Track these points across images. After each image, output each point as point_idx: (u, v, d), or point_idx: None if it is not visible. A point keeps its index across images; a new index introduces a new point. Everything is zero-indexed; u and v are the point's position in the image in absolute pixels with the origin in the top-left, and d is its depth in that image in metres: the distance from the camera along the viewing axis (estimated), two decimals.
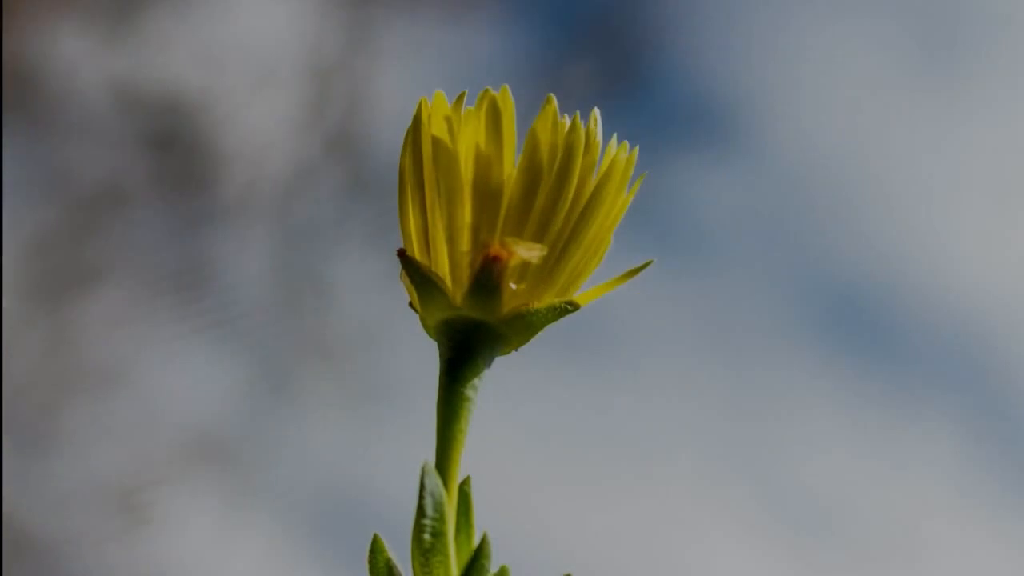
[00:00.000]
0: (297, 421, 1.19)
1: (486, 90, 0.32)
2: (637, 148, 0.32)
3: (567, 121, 0.31)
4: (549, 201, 0.31)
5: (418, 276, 0.31)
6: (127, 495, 1.14)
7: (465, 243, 0.31)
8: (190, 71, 1.20)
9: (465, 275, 0.31)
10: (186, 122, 1.19)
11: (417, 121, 0.32)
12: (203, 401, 1.20)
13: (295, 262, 1.21)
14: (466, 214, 0.31)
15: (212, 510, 1.17)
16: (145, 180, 1.19)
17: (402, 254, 0.32)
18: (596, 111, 0.32)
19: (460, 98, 0.32)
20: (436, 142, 0.31)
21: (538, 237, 0.31)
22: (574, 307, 0.32)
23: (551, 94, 0.31)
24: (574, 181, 0.31)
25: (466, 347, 0.31)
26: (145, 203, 1.19)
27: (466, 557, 0.30)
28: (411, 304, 0.33)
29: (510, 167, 0.31)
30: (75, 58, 1.18)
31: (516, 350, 0.33)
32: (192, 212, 1.20)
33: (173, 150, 1.19)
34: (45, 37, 1.17)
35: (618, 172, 0.32)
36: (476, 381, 0.32)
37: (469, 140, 0.31)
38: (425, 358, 0.35)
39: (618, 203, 0.32)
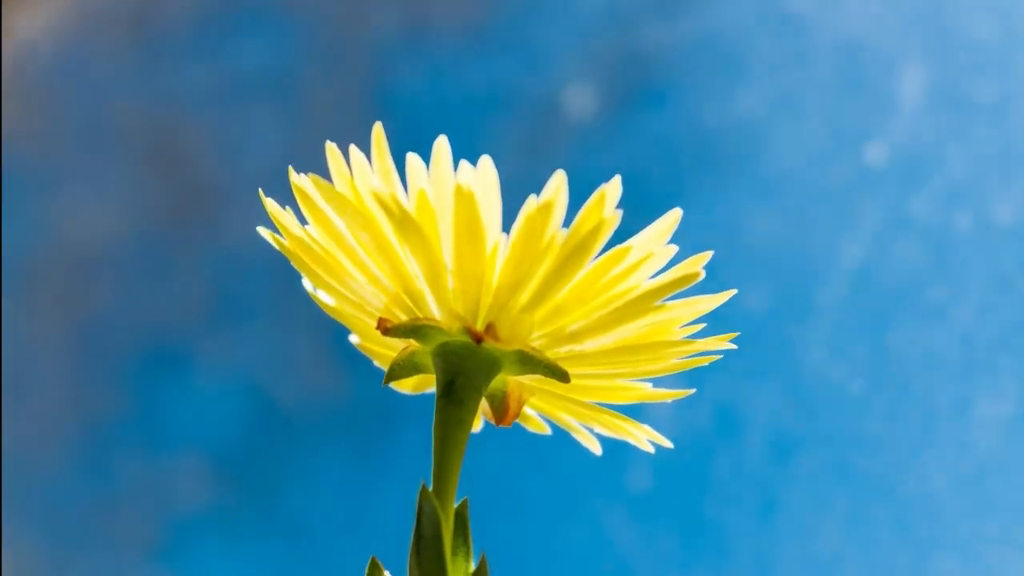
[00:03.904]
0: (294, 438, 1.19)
1: (441, 143, 0.29)
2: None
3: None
4: (546, 281, 0.30)
5: (410, 331, 0.31)
6: None
7: (449, 291, 0.30)
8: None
9: (457, 316, 0.31)
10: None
11: (326, 191, 0.30)
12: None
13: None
14: (443, 260, 0.30)
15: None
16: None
17: (386, 328, 0.31)
18: (620, 182, 0.29)
19: (379, 140, 0.30)
20: (390, 210, 0.29)
21: (528, 307, 0.30)
22: (563, 377, 0.31)
23: (561, 175, 0.28)
24: (576, 269, 0.29)
25: (462, 369, 0.31)
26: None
27: None
28: (384, 382, 0.32)
29: (493, 241, 0.30)
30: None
31: (500, 424, 0.33)
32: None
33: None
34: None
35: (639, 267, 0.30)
36: (472, 403, 0.32)
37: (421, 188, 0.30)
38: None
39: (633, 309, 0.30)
